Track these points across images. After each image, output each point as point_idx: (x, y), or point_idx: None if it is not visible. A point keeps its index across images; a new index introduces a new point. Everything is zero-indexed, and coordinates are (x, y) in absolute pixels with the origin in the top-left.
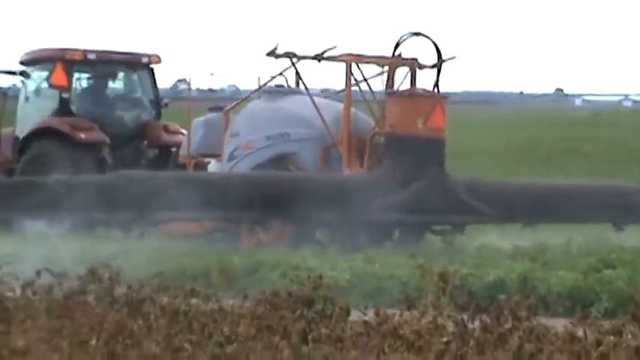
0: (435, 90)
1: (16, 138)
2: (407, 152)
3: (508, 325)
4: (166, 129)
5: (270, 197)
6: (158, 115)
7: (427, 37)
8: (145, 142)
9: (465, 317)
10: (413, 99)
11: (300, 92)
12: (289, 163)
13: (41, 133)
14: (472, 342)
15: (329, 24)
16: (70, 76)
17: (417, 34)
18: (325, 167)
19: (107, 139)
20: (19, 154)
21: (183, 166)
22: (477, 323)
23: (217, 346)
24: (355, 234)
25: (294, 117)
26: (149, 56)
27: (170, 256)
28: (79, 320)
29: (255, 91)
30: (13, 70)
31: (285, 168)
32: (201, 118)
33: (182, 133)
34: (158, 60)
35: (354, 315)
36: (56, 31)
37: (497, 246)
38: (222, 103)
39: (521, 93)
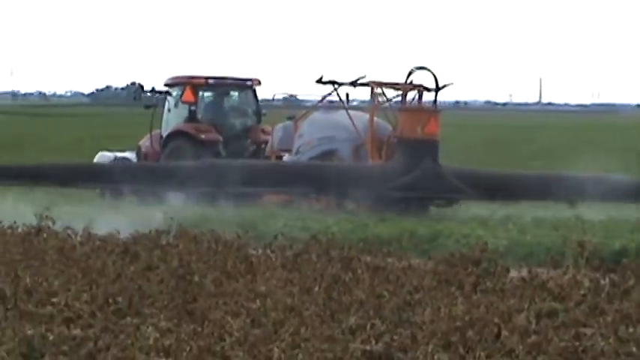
0: (434, 106)
1: (161, 137)
2: (410, 149)
3: (631, 282)
4: (264, 131)
5: (320, 179)
6: (259, 121)
7: (428, 70)
8: (249, 141)
9: (598, 275)
10: (415, 112)
11: (342, 107)
12: (333, 156)
13: (176, 134)
14: (603, 294)
15: (361, 57)
16: (196, 95)
17: (421, 68)
18: (357, 159)
19: (220, 138)
20: (162, 148)
21: (268, 158)
22: (606, 280)
23: (408, 294)
24: (376, 205)
25: (338, 124)
26: (252, 80)
27: (367, 225)
28: (305, 272)
29: (315, 106)
30: (161, 90)
31: (330, 159)
32: (280, 124)
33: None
34: (258, 83)
35: (512, 272)
36: (191, 58)
37: (620, 219)
38: (296, 113)
39: (638, 105)
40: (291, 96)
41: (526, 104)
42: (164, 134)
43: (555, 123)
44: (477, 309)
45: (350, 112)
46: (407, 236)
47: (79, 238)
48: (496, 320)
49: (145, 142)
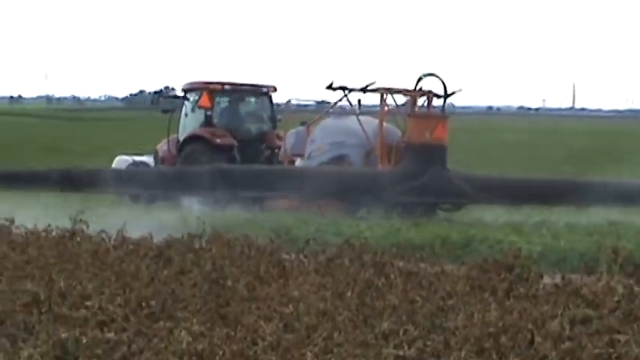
0: (442, 112)
1: (178, 141)
2: (418, 154)
3: None
4: (279, 136)
5: (330, 184)
6: (274, 126)
7: (437, 76)
8: (264, 145)
9: (632, 282)
10: (423, 118)
11: (353, 112)
12: (344, 161)
13: (192, 138)
14: (637, 301)
15: (372, 63)
16: (212, 101)
17: (430, 74)
18: (367, 164)
19: (235, 143)
20: (179, 152)
21: (281, 163)
22: None
23: (441, 300)
24: (386, 210)
25: (348, 130)
26: (267, 87)
27: (399, 230)
28: (338, 277)
29: (327, 111)
30: (178, 95)
31: (341, 164)
32: (293, 130)
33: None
34: (274, 89)
35: (545, 279)
36: (222, 64)
37: None
38: (308, 119)
39: None
40: (323, 102)
41: (559, 109)
42: (181, 138)
43: (588, 128)
44: (510, 315)
45: (360, 117)
46: (440, 241)
47: (112, 242)
48: (529, 326)
49: (162, 147)
